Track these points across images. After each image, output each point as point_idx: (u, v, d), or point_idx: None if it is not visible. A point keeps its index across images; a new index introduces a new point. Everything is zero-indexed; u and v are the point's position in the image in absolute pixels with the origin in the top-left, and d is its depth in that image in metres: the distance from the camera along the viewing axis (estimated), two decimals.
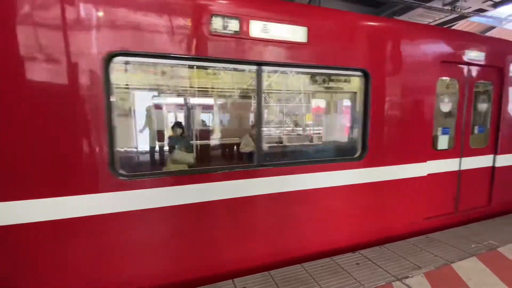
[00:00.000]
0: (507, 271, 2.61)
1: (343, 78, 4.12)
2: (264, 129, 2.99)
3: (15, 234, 2.00)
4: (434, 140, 3.63)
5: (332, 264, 2.76)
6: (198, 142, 5.72)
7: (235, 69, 4.12)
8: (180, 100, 6.04)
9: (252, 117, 5.16)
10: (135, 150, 4.87)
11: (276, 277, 2.53)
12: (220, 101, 6.53)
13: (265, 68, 2.70)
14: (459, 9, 8.45)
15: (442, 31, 3.65)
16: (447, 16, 9.32)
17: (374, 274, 2.58)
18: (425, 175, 3.50)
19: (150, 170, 4.01)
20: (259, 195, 2.68)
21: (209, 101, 6.53)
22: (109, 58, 2.09)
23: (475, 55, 3.72)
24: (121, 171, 2.22)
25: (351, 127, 4.02)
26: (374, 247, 3.13)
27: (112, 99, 2.15)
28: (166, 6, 2.23)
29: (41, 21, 1.92)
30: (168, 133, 5.22)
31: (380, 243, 3.23)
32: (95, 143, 2.12)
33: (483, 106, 4.12)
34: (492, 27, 12.87)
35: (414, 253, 2.97)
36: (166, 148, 4.80)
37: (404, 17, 8.71)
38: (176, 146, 3.88)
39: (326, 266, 2.71)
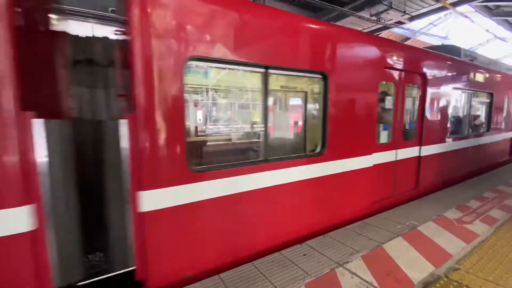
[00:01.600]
0: (424, 245, 3.06)
1: (297, 79, 4.34)
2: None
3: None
4: (377, 135, 4.14)
5: (281, 258, 2.82)
6: None
7: None
8: None
9: None
10: None
11: (227, 279, 2.47)
12: None
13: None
14: (383, 20, 9.62)
15: (385, 40, 4.24)
16: (373, 26, 10.55)
17: (320, 263, 2.73)
18: (371, 165, 4.02)
19: None
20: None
21: None
22: None
23: (406, 63, 4.37)
24: None
25: (304, 125, 4.35)
26: (319, 236, 3.32)
27: None
28: None
29: None
30: None
31: (342, 225, 3.65)
32: None
33: (411, 106, 4.83)
34: (408, 38, 15.07)
35: (352, 239, 3.25)
36: None
37: (338, 24, 9.50)
38: None
39: (276, 261, 2.76)
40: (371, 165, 4.01)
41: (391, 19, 9.89)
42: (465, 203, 4.44)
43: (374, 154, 4.05)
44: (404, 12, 9.13)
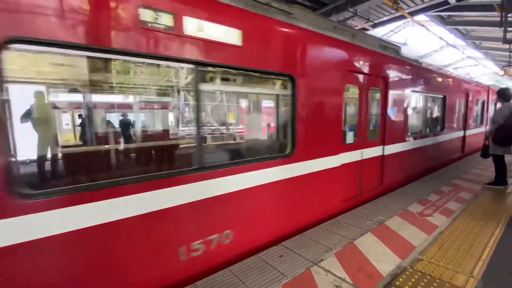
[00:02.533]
0: (391, 239, 3.25)
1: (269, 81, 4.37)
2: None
3: None
4: (344, 135, 4.31)
5: (258, 261, 2.83)
6: None
7: None
8: None
9: None
10: None
11: (205, 286, 2.41)
12: None
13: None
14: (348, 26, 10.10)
15: (349, 44, 4.24)
16: None
17: (295, 263, 2.78)
18: (340, 165, 4.16)
19: None
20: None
21: None
22: None
23: (370, 66, 4.60)
24: None
25: (276, 127, 4.30)
26: (295, 236, 3.38)
27: None
28: None
29: None
30: None
31: (315, 224, 3.77)
32: None
33: (375, 107, 5.10)
34: None
35: (326, 237, 3.36)
36: None
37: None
38: None
39: (253, 265, 2.76)
40: (339, 164, 4.15)
41: (356, 26, 10.46)
42: (425, 197, 4.81)
43: (341, 154, 4.19)
44: (368, 19, 9.71)
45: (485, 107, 10.82)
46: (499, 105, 5.53)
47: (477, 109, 10.06)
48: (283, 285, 2.43)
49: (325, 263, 2.77)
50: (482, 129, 10.64)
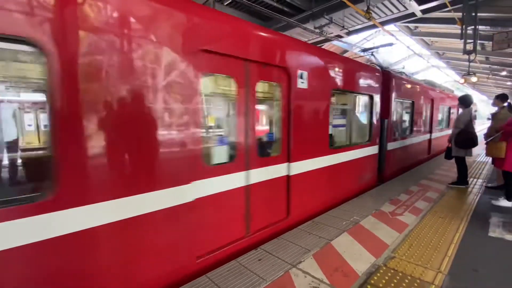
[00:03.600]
0: (366, 238, 3.36)
1: None
2: None
3: None
4: (203, 153, 2.85)
5: (236, 266, 2.78)
6: None
7: None
8: None
9: None
10: None
11: None
12: None
13: None
14: (325, 33, 10.46)
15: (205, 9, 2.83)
16: (317, 37, 11.40)
17: (274, 266, 2.77)
18: (193, 200, 2.64)
19: None
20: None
21: None
22: None
23: (256, 50, 3.24)
24: None
25: None
26: (273, 239, 3.38)
27: None
28: None
29: None
30: None
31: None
32: None
33: (273, 110, 4.08)
34: (346, 50, 16.68)
35: (304, 238, 3.39)
36: None
37: (287, 33, 10.00)
38: None
39: (232, 270, 2.70)
40: (189, 200, 2.58)
41: (332, 33, 10.84)
42: (396, 197, 5.05)
43: (198, 182, 2.67)
44: (343, 27, 10.10)
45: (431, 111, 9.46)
46: (460, 110, 5.98)
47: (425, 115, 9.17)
48: None
49: (303, 264, 2.79)
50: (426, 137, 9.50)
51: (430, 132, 9.38)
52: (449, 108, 11.83)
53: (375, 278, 2.57)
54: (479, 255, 3.02)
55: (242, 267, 2.76)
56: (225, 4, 8.28)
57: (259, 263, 2.83)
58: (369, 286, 2.45)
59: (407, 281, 2.52)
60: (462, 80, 12.09)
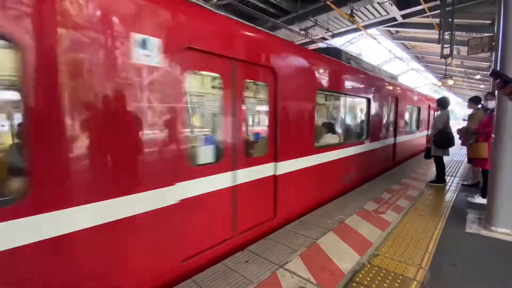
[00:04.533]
0: (351, 237, 3.42)
1: None
2: None
3: None
4: (190, 153, 2.91)
5: (223, 268, 2.74)
6: None
7: None
8: None
9: None
10: None
11: None
12: None
13: None
14: (310, 35, 10.61)
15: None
16: (303, 39, 11.54)
17: (261, 268, 2.75)
18: (177, 202, 2.55)
19: None
20: None
21: None
22: None
23: (242, 48, 3.25)
24: None
25: None
26: (259, 240, 3.36)
27: None
28: None
29: None
30: None
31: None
32: None
33: (261, 108, 4.04)
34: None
35: (290, 238, 3.40)
36: None
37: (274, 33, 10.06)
38: None
39: (218, 273, 2.66)
40: (172, 202, 2.50)
41: (317, 35, 11.03)
42: (379, 195, 5.18)
43: (185, 183, 2.60)
44: (327, 29, 10.29)
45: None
46: (438, 112, 6.25)
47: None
48: None
49: (290, 265, 2.79)
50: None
51: (395, 136, 8.25)
52: (419, 109, 10.61)
53: (360, 276, 2.61)
54: (457, 250, 3.15)
55: (228, 269, 2.72)
56: (212, 3, 8.21)
57: (245, 265, 2.80)
58: (354, 284, 2.48)
59: (390, 277, 2.58)
60: (440, 83, 12.66)
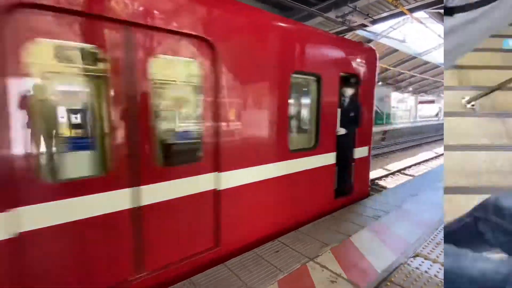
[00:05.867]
0: (386, 235, 3.27)
1: None
2: None
3: None
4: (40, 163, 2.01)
5: (254, 256, 2.82)
6: None
7: None
8: None
9: None
10: None
11: (197, 282, 2.41)
12: None
13: None
14: (348, 22, 10.05)
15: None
16: (340, 27, 10.99)
17: (291, 259, 2.78)
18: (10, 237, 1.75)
19: None
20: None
21: None
22: None
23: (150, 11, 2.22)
24: None
25: None
26: (290, 232, 3.38)
27: None
28: None
29: None
30: None
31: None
32: None
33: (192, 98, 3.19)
34: (370, 40, 15.97)
35: (322, 233, 3.36)
36: None
37: (308, 23, 9.75)
38: None
39: (250, 259, 2.76)
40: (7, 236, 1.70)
41: (356, 22, 10.40)
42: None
43: (25, 209, 1.72)
44: (367, 15, 9.65)
45: None
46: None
47: None
48: (279, 280, 2.43)
49: (321, 258, 2.78)
50: None
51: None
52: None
53: (396, 275, 2.50)
54: None
55: (259, 257, 2.80)
56: None
57: (276, 255, 2.85)
58: (388, 284, 2.39)
59: (429, 280, 2.43)
60: None
